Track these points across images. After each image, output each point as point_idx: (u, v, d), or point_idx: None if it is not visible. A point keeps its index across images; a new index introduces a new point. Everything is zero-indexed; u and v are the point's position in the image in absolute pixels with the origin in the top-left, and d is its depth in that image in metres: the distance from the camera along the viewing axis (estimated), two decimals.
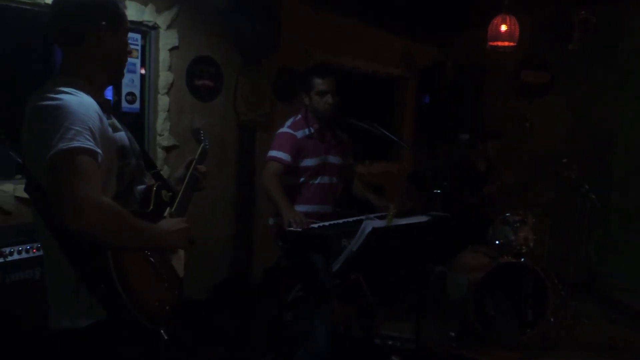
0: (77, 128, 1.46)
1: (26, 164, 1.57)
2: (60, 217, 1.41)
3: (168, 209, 1.83)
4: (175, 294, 1.70)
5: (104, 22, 1.64)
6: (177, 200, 1.89)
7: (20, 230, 2.58)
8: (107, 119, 1.65)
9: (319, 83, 3.09)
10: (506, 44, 4.48)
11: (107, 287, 1.47)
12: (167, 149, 3.75)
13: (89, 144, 1.46)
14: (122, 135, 1.71)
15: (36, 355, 2.30)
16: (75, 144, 1.43)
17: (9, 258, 2.41)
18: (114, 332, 1.57)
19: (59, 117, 1.47)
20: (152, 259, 1.62)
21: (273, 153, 3.11)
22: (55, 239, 1.53)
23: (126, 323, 1.52)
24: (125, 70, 1.84)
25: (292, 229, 2.72)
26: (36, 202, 1.58)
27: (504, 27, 4.42)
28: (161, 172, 1.95)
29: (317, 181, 3.18)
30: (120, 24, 1.70)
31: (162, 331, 1.60)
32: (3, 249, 2.40)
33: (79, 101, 1.53)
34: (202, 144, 2.24)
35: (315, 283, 2.99)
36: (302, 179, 3.16)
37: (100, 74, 1.70)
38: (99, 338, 1.58)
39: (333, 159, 3.24)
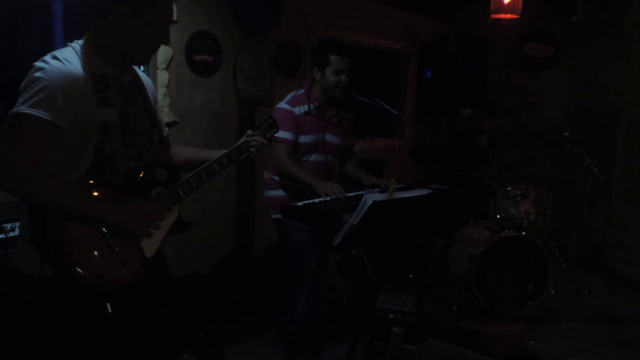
0: (42, 95, 1.55)
1: None
2: None
3: (159, 188, 1.83)
4: (132, 271, 1.72)
5: (125, 5, 1.66)
6: (182, 179, 1.89)
7: (21, 206, 2.58)
8: (102, 91, 1.68)
9: (336, 60, 3.01)
10: (509, 16, 4.41)
11: (40, 247, 1.58)
12: (167, 125, 3.71)
13: (44, 114, 1.54)
14: (111, 112, 1.71)
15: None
16: (31, 111, 1.53)
17: (10, 234, 2.42)
18: (57, 291, 1.64)
19: (35, 80, 1.56)
20: (104, 231, 1.66)
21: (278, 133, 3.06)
22: None
23: (64, 286, 1.59)
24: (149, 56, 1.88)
25: (295, 204, 2.72)
26: None
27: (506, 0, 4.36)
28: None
29: (311, 158, 3.16)
30: (145, 12, 1.69)
31: (107, 304, 1.64)
32: (4, 225, 2.41)
33: (61, 70, 1.59)
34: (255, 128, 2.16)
35: (298, 259, 3.06)
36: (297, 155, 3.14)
37: (116, 52, 1.75)
38: (45, 292, 1.67)
39: (330, 138, 3.20)
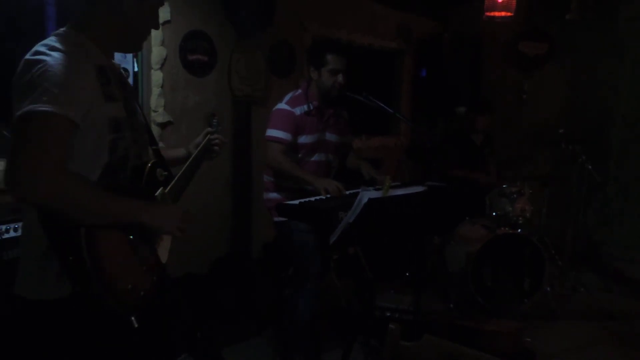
0: (55, 91, 1.37)
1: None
2: (12, 185, 1.31)
3: (161, 188, 1.75)
4: (153, 280, 1.63)
5: None
6: (174, 180, 1.84)
7: (16, 208, 2.56)
8: (106, 84, 1.56)
9: (333, 60, 2.99)
10: (503, 14, 4.41)
11: (76, 260, 1.39)
12: (162, 126, 3.71)
13: (62, 111, 1.36)
14: (117, 107, 1.60)
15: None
16: (46, 107, 1.34)
17: (5, 236, 2.40)
18: (77, 311, 1.47)
19: (40, 75, 1.39)
20: (131, 238, 1.55)
21: (274, 133, 3.03)
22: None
23: (91, 303, 1.43)
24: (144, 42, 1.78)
25: (290, 202, 2.71)
26: None
27: None
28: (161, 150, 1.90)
29: (313, 158, 3.14)
30: None
31: (132, 318, 1.51)
32: None
33: (67, 61, 1.44)
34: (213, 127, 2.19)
35: (302, 261, 3.04)
36: (298, 155, 3.12)
37: (112, 39, 1.64)
38: (61, 314, 1.50)
39: (330, 137, 3.19)
